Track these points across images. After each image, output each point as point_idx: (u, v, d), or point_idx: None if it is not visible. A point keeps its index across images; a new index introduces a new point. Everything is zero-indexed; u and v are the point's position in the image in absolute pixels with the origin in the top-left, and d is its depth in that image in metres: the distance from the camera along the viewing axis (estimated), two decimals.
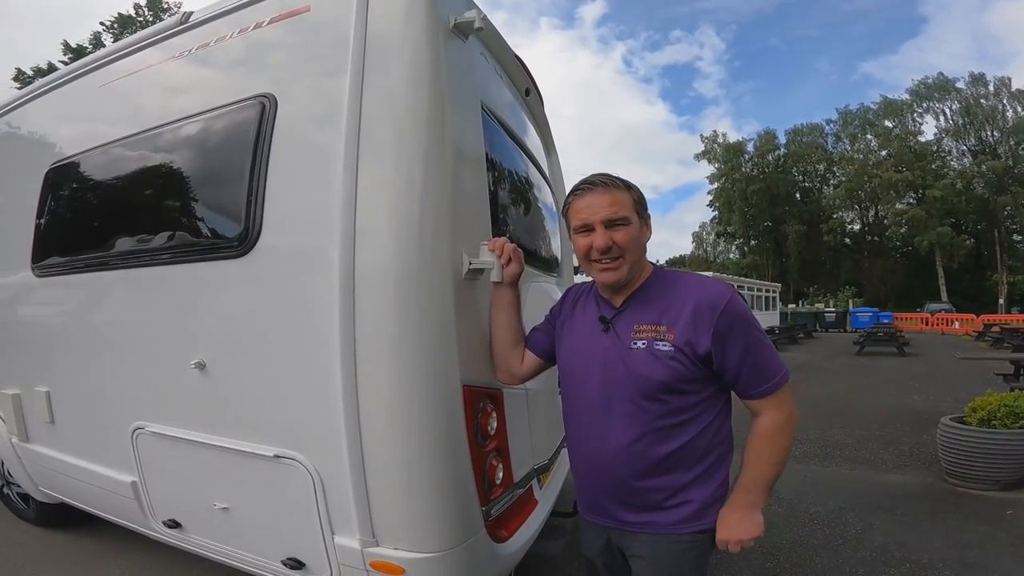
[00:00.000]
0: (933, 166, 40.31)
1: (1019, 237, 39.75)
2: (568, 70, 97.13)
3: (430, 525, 1.65)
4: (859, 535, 3.18)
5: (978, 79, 40.58)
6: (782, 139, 48.09)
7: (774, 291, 27.95)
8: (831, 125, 46.81)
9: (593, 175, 1.41)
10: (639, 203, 1.41)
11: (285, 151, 1.79)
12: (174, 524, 2.24)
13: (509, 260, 1.69)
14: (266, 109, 1.82)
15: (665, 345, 1.31)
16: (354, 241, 1.60)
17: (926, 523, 3.34)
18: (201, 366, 1.95)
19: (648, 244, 1.47)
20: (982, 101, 40.18)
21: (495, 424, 1.87)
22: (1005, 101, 39.71)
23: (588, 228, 1.38)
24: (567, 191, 1.51)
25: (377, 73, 1.63)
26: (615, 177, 1.41)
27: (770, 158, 47.88)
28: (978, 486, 3.88)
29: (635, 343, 1.35)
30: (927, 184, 38.65)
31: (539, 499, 2.29)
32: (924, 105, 42.33)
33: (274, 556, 1.93)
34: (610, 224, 1.35)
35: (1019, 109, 39.26)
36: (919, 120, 42.69)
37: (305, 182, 1.76)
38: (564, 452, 2.88)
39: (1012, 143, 38.31)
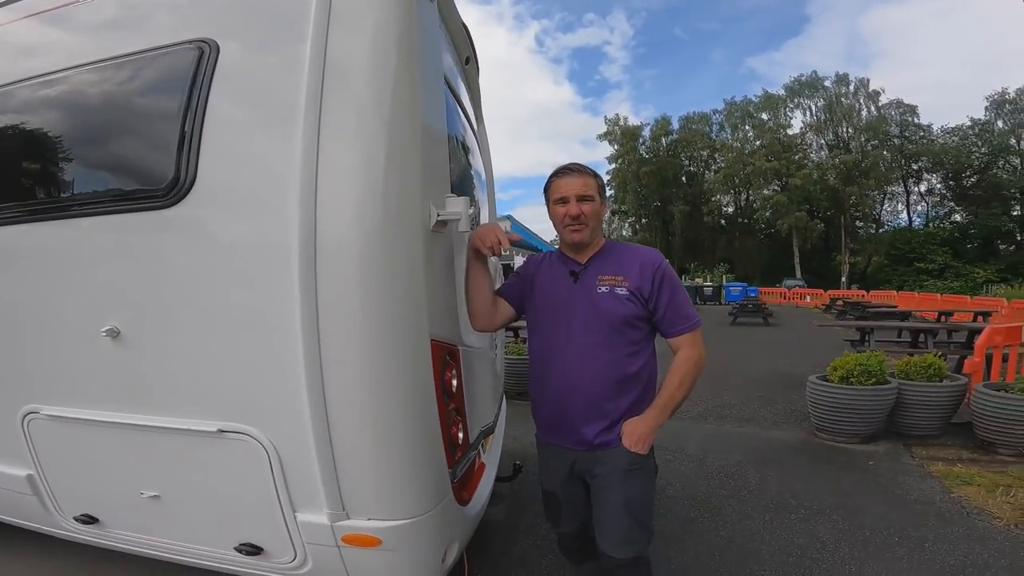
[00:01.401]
0: (796, 157, 45.14)
1: (861, 224, 46.27)
2: (485, 45, 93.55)
3: (406, 490, 1.62)
4: (759, 485, 3.62)
5: (842, 79, 45.61)
6: (675, 125, 51.40)
7: None
8: (717, 115, 50.75)
9: (571, 163, 1.84)
10: (600, 188, 1.85)
11: (230, 98, 1.61)
12: (89, 519, 1.97)
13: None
14: (205, 54, 1.62)
15: (623, 290, 1.75)
16: (315, 192, 1.49)
17: (809, 473, 3.88)
18: (114, 334, 1.71)
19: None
20: (843, 100, 45.19)
21: (456, 382, 1.86)
22: (862, 100, 45.04)
23: (565, 200, 1.78)
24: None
25: (344, 26, 1.52)
26: (586, 166, 1.85)
27: (663, 142, 50.97)
28: (842, 439, 4.54)
29: (600, 288, 1.77)
30: (790, 173, 43.32)
31: (485, 462, 2.34)
32: (796, 101, 47.00)
33: (224, 544, 1.78)
34: (581, 199, 1.77)
35: (872, 109, 44.87)
36: (790, 114, 47.42)
37: (258, 131, 1.61)
38: (503, 414, 2.95)
39: (863, 139, 43.88)
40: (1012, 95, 41.43)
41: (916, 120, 44.55)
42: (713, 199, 50.05)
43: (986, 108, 42.79)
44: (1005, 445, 4.12)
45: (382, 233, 1.50)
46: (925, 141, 43.96)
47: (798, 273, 41.46)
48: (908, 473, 3.81)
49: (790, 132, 46.65)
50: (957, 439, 4.49)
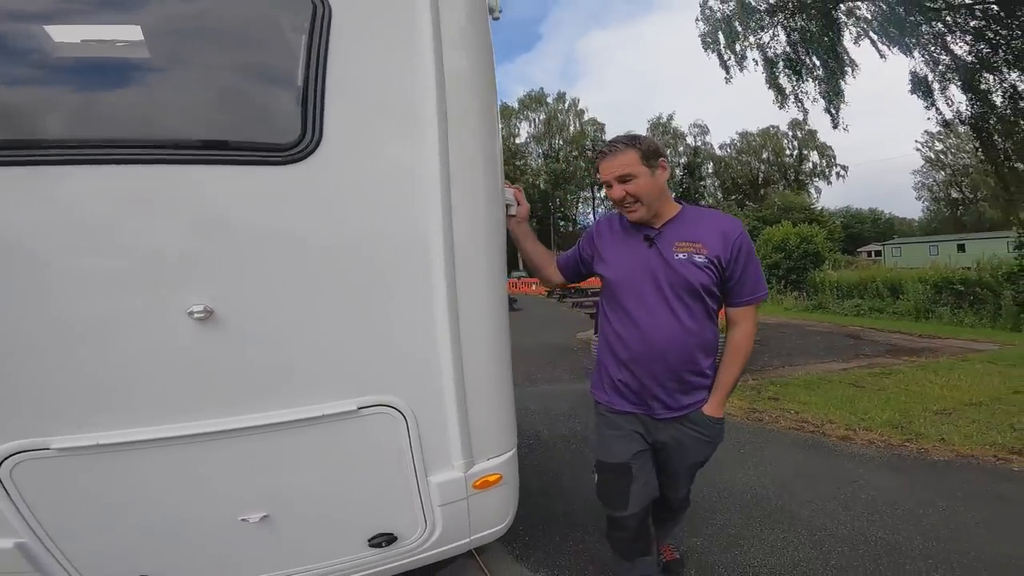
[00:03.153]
0: (519, 163, 52.04)
1: (563, 222, 55.81)
2: None
3: (511, 423, 1.81)
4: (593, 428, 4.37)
5: (560, 97, 54.79)
6: None
7: None
8: None
9: (612, 140, 1.81)
10: (647, 155, 1.75)
11: (357, 40, 1.51)
12: None
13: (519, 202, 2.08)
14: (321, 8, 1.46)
15: (701, 258, 1.74)
16: (448, 157, 1.54)
17: None
18: (205, 315, 1.35)
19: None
20: (559, 115, 53.70)
21: None
22: (571, 117, 53.86)
23: (608, 184, 1.81)
24: None
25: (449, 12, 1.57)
26: (621, 141, 1.78)
27: None
28: None
29: (677, 255, 1.75)
30: (516, 178, 48.73)
31: None
32: (524, 113, 54.61)
33: (355, 544, 1.66)
34: (621, 179, 1.76)
35: (578, 124, 53.79)
36: (519, 125, 54.88)
37: (392, 82, 1.54)
38: None
39: (569, 150, 52.70)
40: (664, 119, 55.33)
41: (604, 136, 53.79)
42: None
43: (647, 129, 55.15)
44: None
45: (500, 214, 1.71)
46: None
47: (520, 266, 47.23)
48: None
49: (518, 141, 54.29)
50: None
